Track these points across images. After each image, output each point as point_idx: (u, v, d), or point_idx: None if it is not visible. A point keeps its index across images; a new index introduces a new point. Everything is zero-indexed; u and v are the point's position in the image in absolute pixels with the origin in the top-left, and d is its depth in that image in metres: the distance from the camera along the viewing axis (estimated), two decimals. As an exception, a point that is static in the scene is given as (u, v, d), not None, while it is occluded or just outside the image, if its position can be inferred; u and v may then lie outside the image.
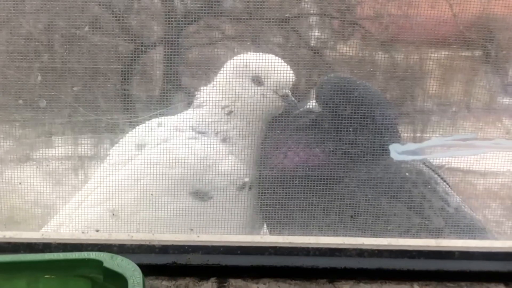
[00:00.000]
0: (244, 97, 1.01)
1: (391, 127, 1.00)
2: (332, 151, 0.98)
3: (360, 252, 0.77)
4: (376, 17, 1.10)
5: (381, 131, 0.98)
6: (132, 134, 1.02)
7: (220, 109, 1.02)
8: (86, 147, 1.06)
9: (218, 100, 1.02)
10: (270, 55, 1.00)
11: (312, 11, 1.15)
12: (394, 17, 1.05)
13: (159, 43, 1.07)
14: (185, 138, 1.01)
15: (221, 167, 1.00)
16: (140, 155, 1.00)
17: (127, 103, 1.04)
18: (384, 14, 1.08)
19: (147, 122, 1.01)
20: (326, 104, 1.00)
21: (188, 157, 0.98)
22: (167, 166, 0.98)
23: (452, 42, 1.06)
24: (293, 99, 1.01)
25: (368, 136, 0.97)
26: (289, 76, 1.00)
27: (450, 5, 0.99)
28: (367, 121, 0.97)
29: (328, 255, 0.77)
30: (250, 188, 1.01)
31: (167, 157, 0.98)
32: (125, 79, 1.01)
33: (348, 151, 0.97)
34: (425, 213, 0.93)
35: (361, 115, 0.97)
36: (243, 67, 1.00)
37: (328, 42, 1.17)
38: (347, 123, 0.97)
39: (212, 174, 0.99)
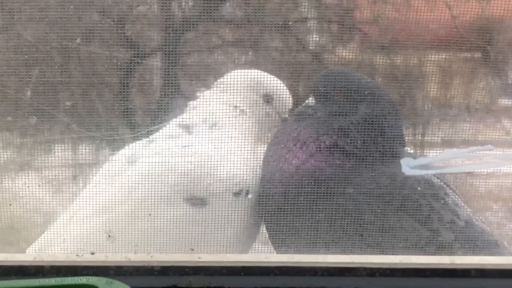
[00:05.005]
0: (248, 110, 1.03)
1: (397, 130, 0.99)
2: (330, 147, 0.96)
3: (371, 272, 0.74)
4: (375, 21, 1.09)
5: (387, 135, 0.96)
6: (123, 152, 1.02)
7: (226, 106, 1.03)
8: (85, 155, 1.05)
9: (217, 106, 1.03)
10: (277, 78, 1.04)
11: (310, 16, 1.15)
12: (393, 20, 1.05)
13: (157, 50, 1.06)
14: (179, 146, 1.01)
15: (216, 173, 0.99)
16: (134, 166, 1.00)
17: (126, 116, 1.03)
18: (382, 17, 1.08)
19: (137, 141, 1.01)
20: (323, 98, 0.99)
21: (182, 164, 0.98)
22: (162, 175, 0.97)
23: (451, 44, 1.05)
24: None
25: (364, 128, 0.96)
26: (290, 101, 1.06)
27: (449, 7, 0.98)
28: (368, 120, 0.96)
29: (337, 275, 0.74)
30: (247, 194, 1.01)
31: (161, 166, 0.98)
32: (123, 89, 1.00)
33: (348, 150, 0.96)
34: (434, 226, 0.91)
35: (367, 121, 0.96)
36: (257, 83, 1.04)
37: (327, 46, 1.16)
38: (345, 118, 0.96)
39: (207, 181, 0.99)
